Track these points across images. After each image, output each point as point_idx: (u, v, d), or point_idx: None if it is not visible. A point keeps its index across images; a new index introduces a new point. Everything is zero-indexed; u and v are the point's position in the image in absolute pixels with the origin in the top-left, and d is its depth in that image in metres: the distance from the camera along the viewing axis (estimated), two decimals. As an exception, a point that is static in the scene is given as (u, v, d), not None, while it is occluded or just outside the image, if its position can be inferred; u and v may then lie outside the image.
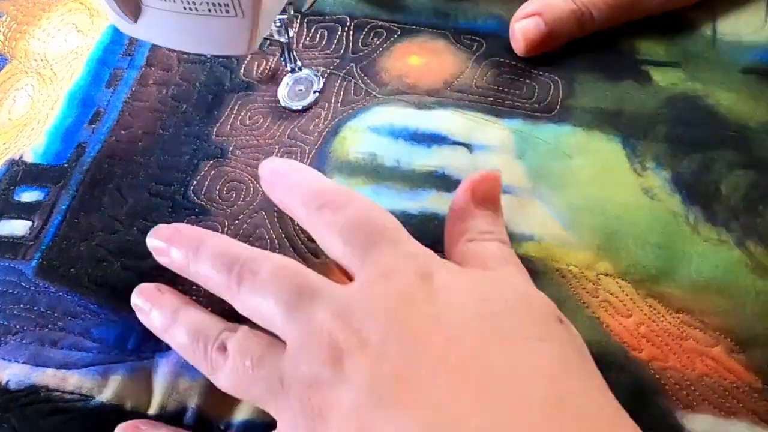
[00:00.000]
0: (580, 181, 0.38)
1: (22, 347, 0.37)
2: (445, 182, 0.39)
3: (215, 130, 0.43)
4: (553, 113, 0.41)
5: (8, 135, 0.46)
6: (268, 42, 0.46)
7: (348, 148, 0.41)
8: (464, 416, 0.27)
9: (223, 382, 0.33)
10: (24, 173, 0.43)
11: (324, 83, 0.43)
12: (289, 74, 0.43)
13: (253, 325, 0.33)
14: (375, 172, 0.40)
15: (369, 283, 0.32)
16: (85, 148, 0.43)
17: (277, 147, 0.42)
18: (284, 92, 0.43)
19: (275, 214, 0.39)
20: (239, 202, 0.40)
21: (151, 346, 0.36)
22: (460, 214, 0.35)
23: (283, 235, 0.39)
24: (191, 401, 0.35)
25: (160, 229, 0.36)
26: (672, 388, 0.33)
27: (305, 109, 0.42)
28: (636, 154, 0.39)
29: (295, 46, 0.43)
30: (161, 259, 0.36)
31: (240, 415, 0.35)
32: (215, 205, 0.40)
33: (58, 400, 0.35)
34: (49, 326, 0.37)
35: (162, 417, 0.35)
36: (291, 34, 0.42)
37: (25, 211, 0.41)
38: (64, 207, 0.41)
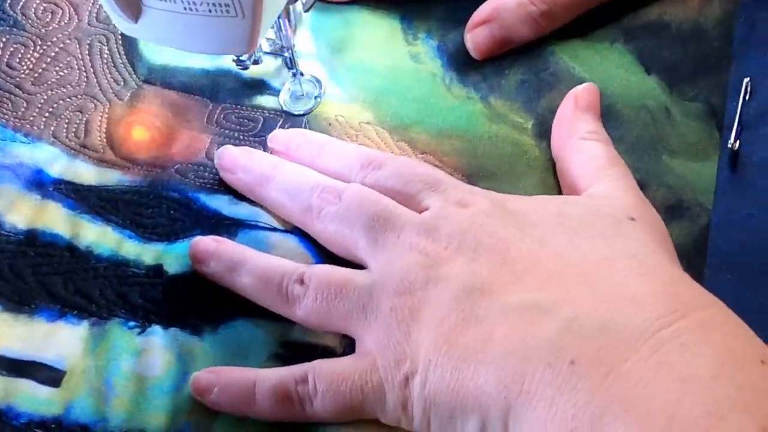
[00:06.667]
0: (355, 46, 0.43)
1: None
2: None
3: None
4: (347, -4, 0.46)
5: None
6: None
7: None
8: (566, 294, 0.30)
9: (302, 313, 0.34)
10: None
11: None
12: (291, 79, 0.42)
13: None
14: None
15: (444, 210, 0.34)
16: None
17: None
18: (285, 97, 0.42)
19: (87, 46, 0.43)
20: (53, 25, 0.44)
21: None
22: (568, 117, 0.39)
23: (91, 69, 0.43)
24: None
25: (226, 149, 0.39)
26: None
27: (306, 114, 0.42)
28: (410, 28, 0.44)
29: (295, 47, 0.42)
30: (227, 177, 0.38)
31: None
32: (30, 21, 0.44)
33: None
34: None
35: None
36: (291, 34, 0.41)
37: None
38: None
